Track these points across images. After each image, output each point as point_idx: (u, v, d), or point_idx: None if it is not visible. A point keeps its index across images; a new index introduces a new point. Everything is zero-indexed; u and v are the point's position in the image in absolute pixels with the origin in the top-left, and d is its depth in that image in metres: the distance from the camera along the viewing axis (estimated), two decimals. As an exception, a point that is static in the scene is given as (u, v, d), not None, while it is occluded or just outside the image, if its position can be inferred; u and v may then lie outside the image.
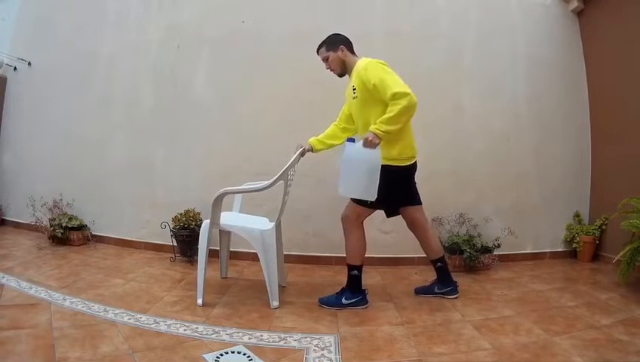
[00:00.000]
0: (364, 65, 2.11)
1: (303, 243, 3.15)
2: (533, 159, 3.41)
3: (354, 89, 2.17)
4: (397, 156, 2.14)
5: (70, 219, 3.40)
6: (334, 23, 2.92)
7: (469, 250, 2.90)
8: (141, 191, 3.41)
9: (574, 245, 3.35)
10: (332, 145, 2.43)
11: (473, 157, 3.27)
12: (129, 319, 1.93)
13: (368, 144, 2.00)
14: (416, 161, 2.24)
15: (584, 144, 3.55)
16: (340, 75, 2.31)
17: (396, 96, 1.98)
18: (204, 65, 3.34)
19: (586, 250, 3.30)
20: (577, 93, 3.55)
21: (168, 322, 1.91)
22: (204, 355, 1.60)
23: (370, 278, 2.69)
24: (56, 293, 2.21)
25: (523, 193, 3.38)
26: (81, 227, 3.46)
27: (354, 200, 2.22)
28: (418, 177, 2.32)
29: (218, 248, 2.65)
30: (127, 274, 2.68)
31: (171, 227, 3.05)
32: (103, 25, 3.63)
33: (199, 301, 2.16)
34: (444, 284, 2.38)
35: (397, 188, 2.19)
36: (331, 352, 1.66)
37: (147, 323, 1.89)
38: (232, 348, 1.67)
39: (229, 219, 2.31)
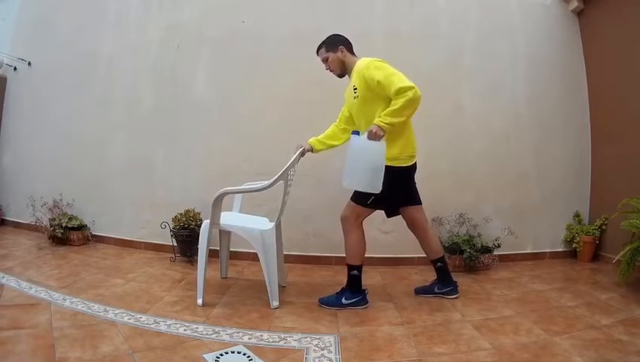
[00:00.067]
0: (366, 64, 2.11)
1: (303, 243, 3.15)
2: (533, 159, 3.41)
3: (355, 89, 2.16)
4: (398, 155, 2.14)
5: (70, 219, 3.40)
6: (334, 23, 2.93)
7: (469, 250, 2.90)
8: (141, 191, 3.42)
9: (574, 245, 3.35)
10: (332, 146, 2.43)
11: (473, 157, 3.27)
12: (129, 319, 1.93)
13: (373, 136, 2.01)
14: (416, 162, 2.24)
15: (584, 144, 3.55)
16: (340, 76, 2.32)
17: (401, 90, 1.98)
18: (204, 65, 3.34)
19: (586, 250, 3.30)
20: (577, 93, 3.55)
21: (168, 322, 1.91)
22: (204, 355, 1.60)
23: (370, 278, 2.69)
24: (56, 293, 2.21)
25: (523, 193, 3.38)
26: (81, 227, 3.46)
27: (354, 200, 2.22)
28: (418, 177, 2.32)
29: (218, 248, 2.65)
30: (127, 274, 2.68)
31: (171, 227, 3.05)
32: (103, 25, 3.63)
33: (199, 301, 2.16)
34: (444, 284, 2.38)
35: (397, 189, 2.19)
36: (331, 352, 1.66)
37: (147, 323, 1.89)
38: (232, 348, 1.67)
39: (229, 219, 2.31)
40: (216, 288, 2.47)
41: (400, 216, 2.36)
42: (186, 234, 3.00)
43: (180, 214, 3.07)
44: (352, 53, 2.29)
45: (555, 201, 3.46)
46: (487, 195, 3.27)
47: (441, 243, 2.83)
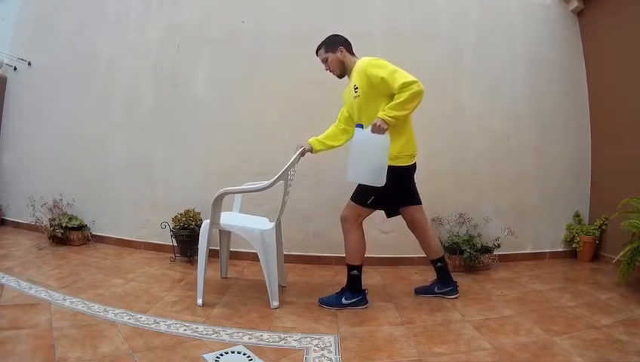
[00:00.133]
0: (368, 62, 2.11)
1: (303, 243, 3.15)
2: (533, 159, 3.41)
3: (355, 88, 2.16)
4: (399, 154, 2.14)
5: (70, 219, 3.40)
6: (334, 23, 2.93)
7: (469, 250, 2.90)
8: (141, 191, 3.42)
9: (574, 245, 3.35)
10: (332, 147, 2.43)
11: (473, 157, 3.27)
12: (129, 319, 1.93)
13: (376, 129, 2.01)
14: (415, 162, 2.24)
15: (584, 144, 3.55)
16: (340, 76, 2.32)
17: (405, 85, 2.00)
18: (204, 65, 3.34)
19: (586, 250, 3.30)
20: (577, 93, 3.55)
21: (168, 322, 1.91)
22: (204, 355, 1.60)
23: (370, 278, 2.69)
24: (56, 293, 2.21)
25: (523, 193, 3.38)
26: (81, 227, 3.46)
27: (354, 199, 2.23)
28: (418, 177, 2.32)
29: (218, 248, 2.65)
30: (127, 274, 2.68)
31: (171, 227, 3.05)
32: (103, 25, 3.63)
33: (199, 301, 2.16)
34: (444, 284, 2.38)
35: (397, 189, 2.19)
36: (331, 352, 1.66)
37: (147, 323, 1.89)
38: (232, 348, 1.67)
39: (229, 219, 2.31)
40: (216, 288, 2.47)
41: (400, 216, 2.36)
42: (186, 234, 3.00)
43: (180, 214, 3.07)
44: (352, 53, 2.29)
45: (555, 201, 3.46)
46: (487, 195, 3.27)
47: (441, 243, 2.83)
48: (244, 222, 2.29)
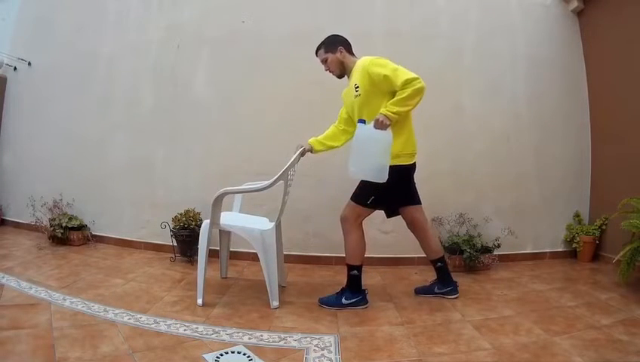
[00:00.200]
0: (370, 61, 2.12)
1: (303, 243, 3.15)
2: (533, 159, 3.41)
3: (356, 87, 2.16)
4: (399, 152, 2.14)
5: (70, 219, 3.40)
6: (334, 23, 2.93)
7: (469, 250, 2.90)
8: (141, 191, 3.42)
9: (574, 245, 3.35)
10: (331, 147, 2.42)
11: (473, 157, 3.27)
12: (129, 319, 1.93)
13: (379, 125, 2.02)
14: (415, 162, 2.24)
15: (584, 144, 3.55)
16: (339, 77, 2.32)
17: (408, 81, 2.02)
18: (204, 65, 3.34)
19: (586, 250, 3.30)
20: (577, 93, 3.55)
21: (168, 322, 1.91)
22: (204, 355, 1.60)
23: (370, 278, 2.69)
24: (56, 293, 2.21)
25: (523, 193, 3.38)
26: (81, 227, 3.46)
27: (354, 199, 2.23)
28: (418, 177, 2.32)
29: (218, 248, 2.65)
30: (127, 274, 2.68)
31: (171, 227, 3.05)
32: (103, 25, 3.63)
33: (199, 301, 2.16)
34: (444, 284, 2.38)
35: (397, 188, 2.19)
36: (331, 352, 1.66)
37: (147, 323, 1.89)
38: (232, 348, 1.67)
39: (229, 219, 2.31)
40: (216, 288, 2.47)
41: (400, 216, 2.36)
42: (186, 234, 3.00)
43: (180, 214, 3.07)
44: (351, 53, 2.29)
45: (555, 201, 3.46)
46: (487, 195, 3.27)
47: (441, 243, 2.83)
48: (244, 222, 2.29)
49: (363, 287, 2.25)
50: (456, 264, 2.94)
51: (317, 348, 1.69)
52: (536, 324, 1.97)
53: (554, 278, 2.85)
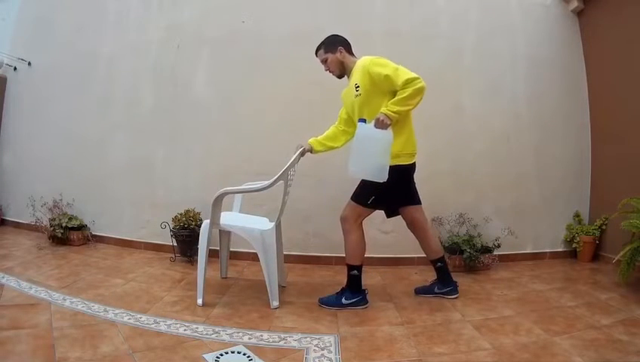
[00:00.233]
0: (370, 61, 2.12)
1: (303, 243, 3.15)
2: (533, 159, 3.41)
3: (357, 87, 2.16)
4: (399, 152, 2.14)
5: (70, 219, 3.40)
6: (334, 23, 2.94)
7: (469, 250, 2.90)
8: (141, 191, 3.41)
9: (574, 245, 3.35)
10: (331, 148, 2.42)
11: (473, 157, 3.27)
12: (129, 319, 1.93)
13: (379, 124, 2.02)
14: (415, 161, 2.24)
15: (584, 144, 3.55)
16: (339, 77, 2.32)
17: (409, 81, 2.03)
18: (204, 65, 3.34)
19: (586, 250, 3.30)
20: (577, 93, 3.55)
21: (168, 322, 1.91)
22: (204, 355, 1.60)
23: (370, 278, 2.69)
24: (56, 293, 2.21)
25: (523, 193, 3.38)
26: (81, 227, 3.46)
27: (354, 199, 2.23)
28: (418, 177, 2.32)
29: (218, 248, 2.65)
30: (127, 274, 2.68)
31: (171, 227, 3.05)
32: (103, 25, 3.63)
33: (199, 301, 2.16)
34: (444, 284, 2.38)
35: (397, 188, 2.19)
36: (331, 352, 1.66)
37: (147, 323, 1.89)
38: (232, 348, 1.67)
39: (229, 219, 2.31)
40: (216, 288, 2.47)
41: (400, 216, 2.36)
42: (186, 234, 3.00)
43: (180, 214, 3.07)
44: (351, 53, 2.29)
45: (555, 201, 3.46)
46: (487, 195, 3.27)
47: (441, 243, 2.83)
48: (244, 222, 2.29)
49: (363, 287, 2.25)
50: (456, 264, 2.94)
51: (317, 348, 1.69)
52: (536, 324, 1.97)
53: (554, 278, 2.85)
